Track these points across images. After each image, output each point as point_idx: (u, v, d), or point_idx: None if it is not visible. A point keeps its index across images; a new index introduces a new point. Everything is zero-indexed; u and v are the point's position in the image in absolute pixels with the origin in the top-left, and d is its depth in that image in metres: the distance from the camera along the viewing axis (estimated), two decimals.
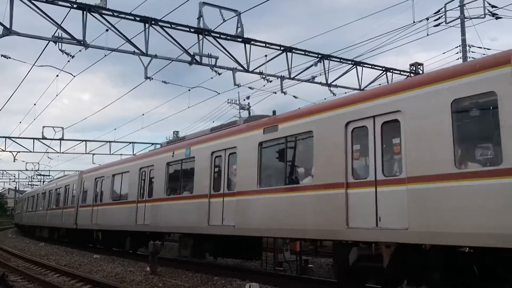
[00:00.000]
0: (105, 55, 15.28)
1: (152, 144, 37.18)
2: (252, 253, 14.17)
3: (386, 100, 8.86)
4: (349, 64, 19.15)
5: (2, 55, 15.25)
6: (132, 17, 14.86)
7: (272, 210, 11.18)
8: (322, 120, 10.18)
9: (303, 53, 18.02)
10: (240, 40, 16.48)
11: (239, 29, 16.24)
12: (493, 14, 18.97)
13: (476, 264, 7.66)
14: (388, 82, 19.37)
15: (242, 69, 16.97)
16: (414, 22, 17.38)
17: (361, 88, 19.15)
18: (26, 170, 55.98)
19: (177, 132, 46.65)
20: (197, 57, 15.96)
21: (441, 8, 19.16)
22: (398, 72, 20.64)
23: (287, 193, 10.82)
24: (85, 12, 14.03)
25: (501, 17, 18.93)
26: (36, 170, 56.83)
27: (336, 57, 18.76)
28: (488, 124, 7.63)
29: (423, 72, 20.68)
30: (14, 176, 67.63)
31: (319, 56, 18.27)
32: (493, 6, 18.95)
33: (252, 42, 16.74)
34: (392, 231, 8.29)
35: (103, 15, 14.42)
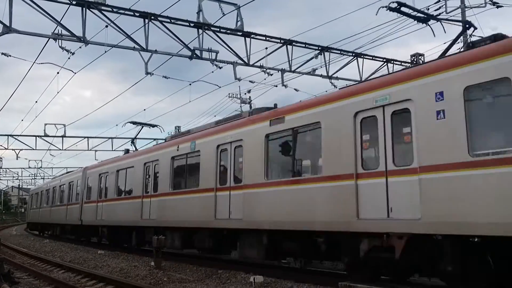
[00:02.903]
0: (105, 52, 15.33)
1: (154, 139, 37.15)
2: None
3: (235, 132, 13.16)
4: (349, 56, 19.08)
5: (2, 53, 15.27)
6: (132, 13, 14.83)
7: (181, 207, 15.38)
8: (205, 142, 14.44)
9: (304, 45, 17.96)
10: (240, 33, 16.45)
11: (239, 23, 16.19)
12: (494, 3, 18.87)
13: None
14: (389, 73, 19.29)
15: (242, 62, 16.94)
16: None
17: (362, 80, 19.09)
18: (29, 167, 56.34)
19: (178, 127, 46.50)
20: (197, 52, 15.94)
21: None
22: (399, 63, 20.56)
23: (184, 195, 15.34)
24: (84, 8, 14.02)
25: (501, 6, 18.83)
26: (39, 168, 57.11)
27: (336, 49, 18.71)
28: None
29: (423, 63, 20.57)
30: (17, 174, 67.95)
31: (320, 48, 18.21)
32: None
33: (252, 36, 16.70)
34: (236, 220, 12.46)
35: (103, 11, 14.41)
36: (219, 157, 13.75)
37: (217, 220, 13.27)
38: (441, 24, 12.64)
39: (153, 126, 22.08)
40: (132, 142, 23.14)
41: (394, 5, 10.92)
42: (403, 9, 11.26)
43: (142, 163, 17.92)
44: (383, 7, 10.85)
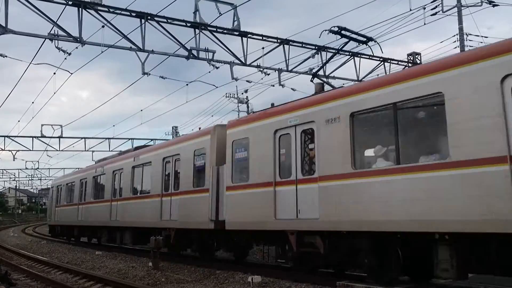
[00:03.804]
0: (102, 52, 15.24)
1: (151, 139, 37.10)
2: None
3: (175, 147, 15.92)
4: (346, 55, 19.07)
5: None
6: (128, 13, 14.78)
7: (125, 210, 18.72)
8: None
9: (300, 45, 17.94)
10: (236, 33, 16.42)
11: (236, 23, 16.17)
12: (490, 2, 18.91)
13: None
14: (386, 73, 19.31)
15: (239, 62, 16.91)
16: (411, 10, 17.34)
17: (359, 79, 19.10)
18: (26, 168, 56.16)
19: (175, 127, 46.61)
20: (194, 52, 15.89)
21: None
22: (396, 62, 20.57)
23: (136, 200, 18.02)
24: (80, 8, 13.95)
25: (498, 5, 18.88)
26: (36, 169, 56.92)
27: (333, 49, 18.67)
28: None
29: (420, 62, 20.61)
30: (14, 175, 67.71)
31: (316, 47, 18.20)
32: None
33: (249, 36, 16.67)
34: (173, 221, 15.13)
35: (99, 12, 14.36)
36: (165, 168, 15.96)
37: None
38: (379, 45, 13.85)
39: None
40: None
41: (335, 29, 12.21)
42: (344, 32, 12.47)
43: None
44: (325, 30, 12.19)
